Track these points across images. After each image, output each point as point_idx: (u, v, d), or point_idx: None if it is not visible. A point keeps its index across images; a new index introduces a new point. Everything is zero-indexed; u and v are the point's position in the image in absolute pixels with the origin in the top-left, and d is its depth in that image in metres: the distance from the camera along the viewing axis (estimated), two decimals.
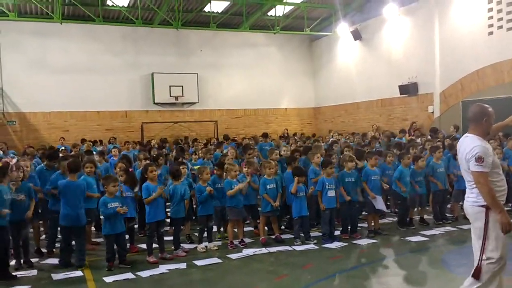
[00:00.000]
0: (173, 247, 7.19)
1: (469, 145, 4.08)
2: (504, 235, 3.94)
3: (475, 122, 4.20)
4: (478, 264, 3.98)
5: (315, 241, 7.43)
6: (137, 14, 18.20)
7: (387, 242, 7.53)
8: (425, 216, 8.64)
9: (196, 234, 7.64)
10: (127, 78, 20.32)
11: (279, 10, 19.99)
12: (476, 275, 3.98)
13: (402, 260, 6.68)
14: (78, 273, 6.35)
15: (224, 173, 7.68)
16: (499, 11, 13.95)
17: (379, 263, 6.59)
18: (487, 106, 4.27)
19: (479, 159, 3.94)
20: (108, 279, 6.02)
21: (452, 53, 15.53)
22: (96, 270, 6.46)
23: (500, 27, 13.95)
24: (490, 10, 14.24)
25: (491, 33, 14.24)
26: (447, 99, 15.78)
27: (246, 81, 22.34)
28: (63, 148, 13.44)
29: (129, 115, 20.57)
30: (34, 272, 6.47)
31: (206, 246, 7.30)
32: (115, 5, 18.04)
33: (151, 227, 6.89)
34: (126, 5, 18.43)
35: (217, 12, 19.75)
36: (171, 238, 7.28)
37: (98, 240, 7.93)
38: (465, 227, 7.57)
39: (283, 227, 8.45)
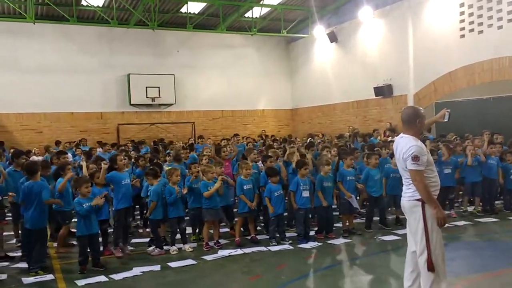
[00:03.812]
0: (149, 246, 7.15)
1: (405, 145, 4.32)
2: (439, 228, 4.22)
3: (409, 124, 4.43)
4: (428, 257, 4.18)
5: (290, 241, 7.47)
6: (113, 14, 17.99)
7: (361, 241, 7.62)
8: (400, 216, 8.75)
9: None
10: (103, 79, 20.07)
11: (256, 12, 20.04)
12: (431, 268, 4.18)
13: (376, 259, 6.77)
14: (50, 276, 6.24)
15: (201, 175, 7.65)
16: (471, 14, 14.28)
17: (353, 262, 6.67)
18: (420, 108, 4.56)
19: (415, 158, 4.20)
20: (80, 283, 5.94)
21: (425, 56, 15.82)
22: (68, 273, 6.36)
23: (472, 30, 14.28)
24: (462, 13, 14.56)
25: (463, 36, 14.56)
26: (420, 100, 16.05)
27: (224, 82, 22.31)
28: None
29: (104, 116, 20.31)
30: (3, 276, 6.32)
31: (180, 248, 7.27)
32: (90, 5, 17.80)
33: (118, 215, 6.87)
34: (101, 5, 18.20)
35: (194, 13, 19.68)
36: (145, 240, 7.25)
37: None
38: None
39: (259, 228, 8.46)
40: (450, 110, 4.84)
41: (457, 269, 5.78)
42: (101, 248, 6.97)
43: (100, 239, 6.93)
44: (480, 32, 14.02)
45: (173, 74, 20.96)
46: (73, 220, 7.93)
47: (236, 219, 8.06)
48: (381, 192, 8.38)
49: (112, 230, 7.56)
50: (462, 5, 14.54)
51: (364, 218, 8.96)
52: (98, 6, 18.11)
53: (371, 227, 8.29)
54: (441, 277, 4.23)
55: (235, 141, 14.59)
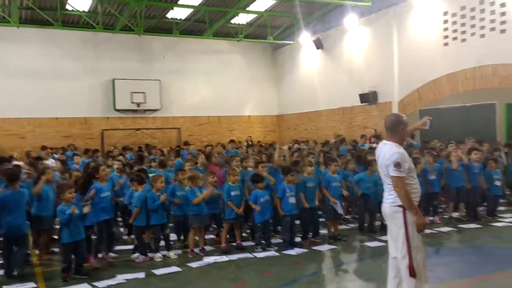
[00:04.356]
0: (133, 253, 7.09)
1: (388, 152, 4.37)
2: (419, 233, 4.29)
3: (392, 130, 4.49)
4: (409, 262, 4.23)
5: (276, 248, 7.45)
6: (98, 19, 17.88)
7: (347, 248, 7.63)
8: (385, 222, 8.79)
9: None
10: (87, 84, 19.92)
11: (242, 18, 20.10)
12: (413, 273, 4.23)
13: (361, 265, 6.80)
14: (31, 284, 6.12)
15: (190, 182, 7.58)
16: (454, 23, 14.51)
17: (338, 268, 6.68)
18: (403, 115, 4.63)
19: (398, 165, 4.26)
20: None
21: (410, 63, 16.01)
22: (50, 281, 6.25)
23: (455, 38, 14.50)
24: (446, 22, 14.78)
25: (446, 44, 14.78)
26: (405, 107, 16.21)
27: (210, 88, 22.30)
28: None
29: (88, 121, 20.13)
30: None
31: (165, 255, 7.20)
32: (74, 9, 17.67)
33: (99, 227, 6.82)
34: (86, 10, 18.08)
35: (180, 19, 19.67)
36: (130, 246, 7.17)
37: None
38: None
39: (244, 234, 8.43)
40: (431, 117, 4.89)
41: (441, 275, 5.82)
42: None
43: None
44: (464, 40, 14.24)
45: (159, 80, 20.89)
46: (55, 226, 7.86)
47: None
48: (372, 192, 8.36)
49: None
50: (445, 13, 14.77)
51: (350, 225, 9.02)
52: (83, 11, 18.00)
53: (363, 229, 8.35)
54: (423, 281, 4.28)
55: (231, 147, 14.55)
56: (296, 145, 15.38)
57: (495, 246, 7.44)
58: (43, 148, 16.56)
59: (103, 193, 6.97)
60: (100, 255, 6.98)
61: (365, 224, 8.53)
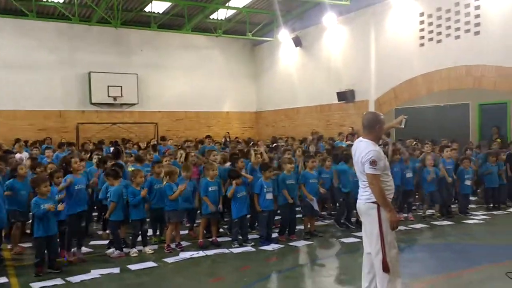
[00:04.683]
0: (108, 248, 7.03)
1: (364, 149, 4.42)
2: (392, 230, 4.37)
3: (369, 128, 4.54)
4: (383, 258, 4.30)
5: (253, 243, 7.47)
6: (74, 10, 17.55)
7: (323, 243, 7.70)
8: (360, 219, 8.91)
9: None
10: (62, 76, 19.57)
11: (221, 14, 20.02)
12: (386, 268, 4.30)
13: (336, 260, 6.88)
14: (3, 279, 5.99)
15: (167, 177, 7.53)
16: (430, 24, 14.77)
17: (314, 263, 6.73)
18: (380, 114, 4.68)
19: (373, 163, 4.30)
20: (36, 285, 5.72)
21: (386, 63, 16.23)
22: (22, 276, 6.13)
23: (431, 39, 14.76)
24: (422, 22, 15.03)
25: (422, 44, 15.03)
26: (381, 106, 16.43)
27: (188, 83, 22.16)
28: None
29: (63, 115, 19.77)
30: None
31: (140, 251, 7.14)
32: (50, 0, 17.29)
33: (70, 220, 6.73)
34: (61, 1, 17.73)
35: (158, 12, 19.48)
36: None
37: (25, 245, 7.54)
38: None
39: (222, 230, 8.42)
40: (407, 116, 4.97)
41: (415, 271, 5.93)
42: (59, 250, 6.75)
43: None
44: (439, 41, 14.51)
45: (136, 74, 20.66)
46: (27, 221, 7.73)
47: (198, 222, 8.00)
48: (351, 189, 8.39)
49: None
50: (422, 14, 15.02)
51: (325, 221, 9.12)
52: (58, 2, 17.64)
53: (340, 223, 8.48)
54: (396, 276, 4.37)
55: (207, 143, 14.47)
56: (274, 144, 15.39)
57: (466, 243, 7.62)
58: (17, 141, 16.18)
59: (77, 186, 6.87)
60: (73, 250, 6.88)
61: (342, 221, 8.64)
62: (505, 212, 9.79)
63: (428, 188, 9.39)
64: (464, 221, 9.04)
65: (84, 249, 7.18)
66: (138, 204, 7.13)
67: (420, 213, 9.60)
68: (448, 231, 8.37)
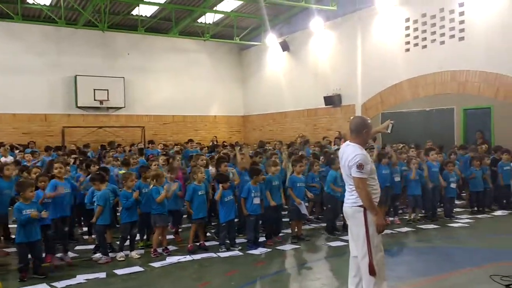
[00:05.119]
0: (95, 253, 7.00)
1: (351, 153, 4.48)
2: (378, 234, 4.42)
3: (356, 133, 4.61)
4: (369, 261, 4.34)
5: (240, 247, 7.47)
6: (60, 13, 17.42)
7: (309, 247, 7.73)
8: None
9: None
10: (48, 79, 19.37)
11: (209, 18, 20.02)
12: (372, 272, 4.34)
13: (323, 264, 6.90)
14: None
15: (154, 180, 7.49)
16: (415, 29, 14.95)
17: (301, 267, 6.75)
18: (367, 118, 4.77)
19: (360, 166, 4.36)
20: None
21: (373, 67, 16.38)
22: (7, 281, 6.04)
23: (416, 44, 14.94)
24: (408, 28, 15.21)
25: (408, 50, 15.20)
26: (367, 111, 16.57)
27: (175, 86, 22.10)
28: None
29: (49, 118, 19.56)
30: None
31: (127, 255, 7.09)
32: (36, 3, 17.15)
33: (54, 224, 6.69)
34: (48, 3, 17.57)
35: (146, 16, 19.41)
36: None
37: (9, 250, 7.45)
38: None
39: (209, 234, 8.41)
40: (394, 121, 5.03)
41: (400, 274, 5.98)
42: (44, 255, 6.67)
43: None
44: (424, 47, 14.69)
45: (123, 77, 20.54)
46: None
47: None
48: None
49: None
50: (407, 20, 15.20)
51: (313, 225, 9.15)
52: (44, 5, 17.49)
53: (332, 230, 8.42)
54: (382, 279, 4.42)
55: (190, 146, 14.46)
56: (261, 148, 15.39)
57: (451, 246, 7.71)
58: (1, 144, 15.97)
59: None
60: (58, 255, 6.80)
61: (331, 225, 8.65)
62: (489, 216, 9.92)
63: (413, 191, 9.48)
64: (449, 225, 9.14)
65: (70, 254, 7.11)
66: (131, 207, 7.10)
67: (406, 217, 9.69)
68: (433, 235, 8.46)
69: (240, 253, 7.23)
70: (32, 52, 19.01)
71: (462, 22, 13.61)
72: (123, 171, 8.32)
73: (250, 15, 20.17)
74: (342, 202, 4.77)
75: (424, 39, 14.69)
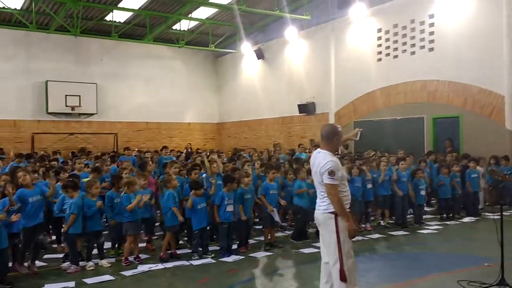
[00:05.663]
0: (64, 261, 6.85)
1: (323, 160, 4.55)
2: (350, 239, 4.49)
3: (327, 140, 4.71)
4: (340, 267, 4.40)
5: (213, 255, 7.43)
6: (32, 18, 17.11)
7: (282, 254, 7.75)
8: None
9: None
10: (17, 85, 18.98)
11: (184, 25, 19.99)
12: (343, 277, 4.40)
13: (296, 271, 6.93)
14: None
15: (125, 187, 7.39)
16: (387, 40, 15.26)
17: (274, 274, 6.76)
18: (338, 126, 4.88)
19: (331, 173, 4.43)
20: None
21: (346, 76, 16.62)
22: None
23: (388, 54, 15.25)
24: (379, 38, 15.51)
25: (380, 59, 15.50)
26: (341, 119, 16.78)
27: (149, 93, 21.95)
28: None
29: (18, 124, 19.13)
30: None
31: (97, 264, 6.96)
32: (6, 7, 16.80)
33: (25, 233, 6.50)
34: (19, 7, 17.24)
35: (120, 21, 19.25)
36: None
37: None
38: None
39: (181, 242, 8.34)
40: (362, 129, 5.15)
41: (371, 280, 6.06)
42: (10, 264, 6.50)
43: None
44: (395, 57, 15.01)
45: (96, 83, 20.29)
46: None
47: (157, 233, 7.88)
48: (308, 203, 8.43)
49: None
50: (379, 30, 15.50)
51: (286, 232, 9.17)
52: (15, 9, 17.15)
53: (300, 238, 8.44)
54: (352, 285, 4.47)
55: (164, 153, 14.29)
56: (237, 154, 15.40)
57: (421, 252, 7.85)
58: None
59: (31, 198, 6.61)
60: (26, 264, 6.64)
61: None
62: (457, 222, 10.14)
63: (381, 192, 9.67)
64: (419, 231, 9.30)
65: (38, 263, 6.94)
66: (93, 216, 6.96)
67: (378, 223, 9.82)
68: (403, 241, 8.60)
69: (213, 261, 7.19)
70: (1, 57, 18.61)
71: (432, 33, 13.96)
72: (86, 179, 8.12)
73: (225, 22, 20.23)
74: (312, 210, 4.81)
75: (396, 49, 15.01)
